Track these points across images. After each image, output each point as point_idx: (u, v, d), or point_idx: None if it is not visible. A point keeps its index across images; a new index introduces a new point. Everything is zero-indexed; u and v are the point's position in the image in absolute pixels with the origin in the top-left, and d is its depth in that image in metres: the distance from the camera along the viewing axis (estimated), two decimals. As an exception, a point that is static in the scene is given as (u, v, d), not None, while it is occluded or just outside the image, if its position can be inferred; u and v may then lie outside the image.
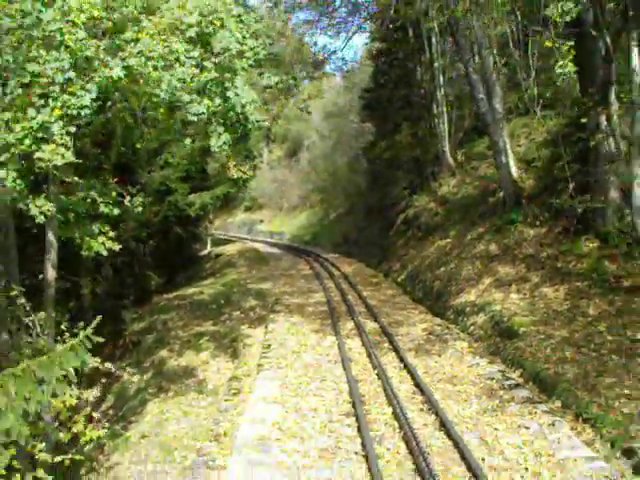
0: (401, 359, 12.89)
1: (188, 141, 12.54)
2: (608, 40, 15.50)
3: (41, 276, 14.32)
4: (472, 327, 16.13)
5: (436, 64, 31.13)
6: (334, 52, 32.71)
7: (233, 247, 44.70)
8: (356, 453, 8.42)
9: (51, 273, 14.40)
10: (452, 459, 8.09)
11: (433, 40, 31.08)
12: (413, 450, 8.19)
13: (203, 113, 11.85)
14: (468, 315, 16.92)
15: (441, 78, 31.24)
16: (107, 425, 11.20)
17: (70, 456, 9.35)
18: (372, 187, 39.26)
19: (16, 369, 5.23)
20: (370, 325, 16.58)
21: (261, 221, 67.93)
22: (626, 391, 10.20)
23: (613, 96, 15.93)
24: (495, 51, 27.97)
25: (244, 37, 12.48)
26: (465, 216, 24.55)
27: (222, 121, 12.70)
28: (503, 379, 11.47)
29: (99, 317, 5.85)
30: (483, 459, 8.01)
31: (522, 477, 7.52)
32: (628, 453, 8.32)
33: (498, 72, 23.88)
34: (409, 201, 31.67)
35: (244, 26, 12.94)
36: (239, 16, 12.76)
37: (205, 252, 43.48)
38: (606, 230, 16.08)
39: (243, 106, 12.32)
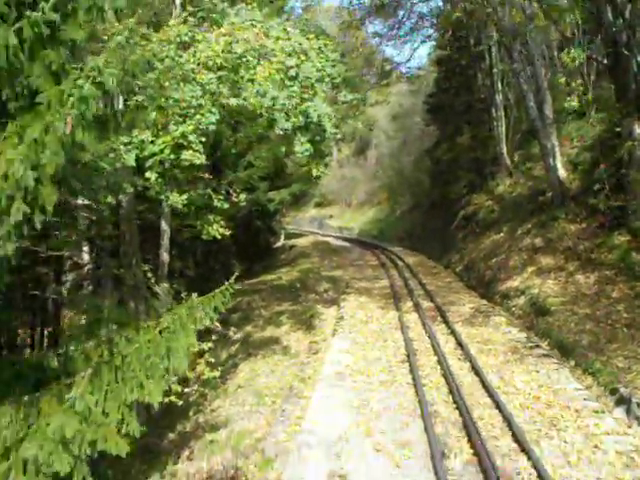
0: (449, 327, 15.87)
1: (283, 148, 15.64)
2: (639, 59, 18.10)
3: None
4: (514, 308, 18.89)
5: (495, 70, 33.44)
6: (400, 64, 35.49)
7: (305, 240, 48.08)
8: (407, 383, 11.52)
9: (165, 256, 17.92)
10: (477, 388, 11.09)
11: (492, 48, 33.34)
12: (449, 382, 11.22)
13: (288, 129, 14.95)
14: (512, 298, 19.67)
15: (499, 83, 33.54)
16: (220, 368, 14.40)
17: (196, 387, 12.62)
18: (435, 185, 41.85)
19: (187, 303, 8.37)
20: (426, 304, 19.53)
21: (330, 216, 71.13)
22: (626, 352, 12.92)
23: (644, 108, 18.37)
24: (555, 54, 30.33)
25: (323, 66, 15.49)
26: (517, 213, 27.00)
27: (304, 131, 15.75)
28: (527, 342, 14.35)
29: (236, 273, 8.92)
30: (499, 387, 10.98)
31: (525, 398, 10.48)
32: (614, 392, 11.09)
33: (549, 80, 26.21)
34: (469, 199, 34.20)
35: (324, 56, 15.98)
36: (319, 48, 15.81)
37: (279, 244, 46.88)
38: (636, 226, 18.43)
39: (320, 118, 15.31)
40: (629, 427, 9.36)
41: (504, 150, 32.91)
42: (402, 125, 55.31)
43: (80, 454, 6.16)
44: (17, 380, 7.36)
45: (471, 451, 8.49)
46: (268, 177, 30.17)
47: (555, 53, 30.21)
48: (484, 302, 20.14)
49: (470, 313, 18.13)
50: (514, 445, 8.53)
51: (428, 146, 44.22)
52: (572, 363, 13.24)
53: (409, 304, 19.64)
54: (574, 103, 16.89)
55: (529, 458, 8.12)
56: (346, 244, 48.25)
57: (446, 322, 16.57)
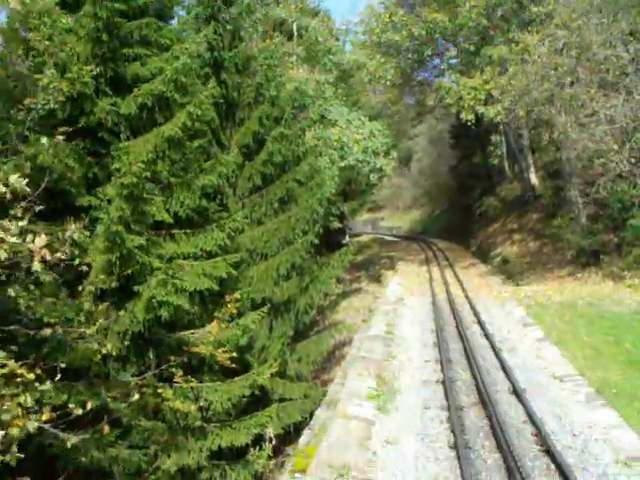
0: (453, 270, 30.72)
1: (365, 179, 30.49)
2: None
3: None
4: (494, 262, 33.48)
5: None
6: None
7: (365, 237, 62.98)
8: (429, 286, 26.42)
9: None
10: (456, 283, 26.19)
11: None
12: (445, 280, 26.18)
13: (367, 173, 29.71)
14: (494, 258, 34.36)
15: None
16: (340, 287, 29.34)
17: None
18: (460, 192, 56.20)
19: (332, 254, 23.23)
20: (444, 263, 34.40)
21: (382, 218, 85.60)
22: (535, 274, 27.56)
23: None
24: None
25: (383, 141, 30.20)
26: (510, 209, 41.47)
27: (374, 172, 30.46)
28: (488, 272, 29.16)
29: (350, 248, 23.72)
30: (465, 282, 25.90)
31: (474, 284, 25.46)
32: (517, 285, 25.76)
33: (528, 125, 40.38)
34: (482, 201, 48.48)
35: (382, 133, 30.75)
36: (379, 130, 30.56)
37: (345, 241, 61.62)
38: (563, 214, 32.74)
39: (382, 167, 30.07)
40: (510, 287, 24.26)
41: (506, 164, 47.12)
42: (436, 144, 69.41)
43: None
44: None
45: (445, 295, 23.51)
46: (342, 192, 45.03)
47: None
48: (478, 261, 34.98)
49: (467, 265, 33.13)
50: (463, 293, 23.57)
51: (453, 163, 58.38)
52: (512, 281, 27.90)
53: (434, 264, 34.50)
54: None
55: (466, 295, 23.12)
56: (396, 239, 62.82)
57: (452, 269, 31.40)
